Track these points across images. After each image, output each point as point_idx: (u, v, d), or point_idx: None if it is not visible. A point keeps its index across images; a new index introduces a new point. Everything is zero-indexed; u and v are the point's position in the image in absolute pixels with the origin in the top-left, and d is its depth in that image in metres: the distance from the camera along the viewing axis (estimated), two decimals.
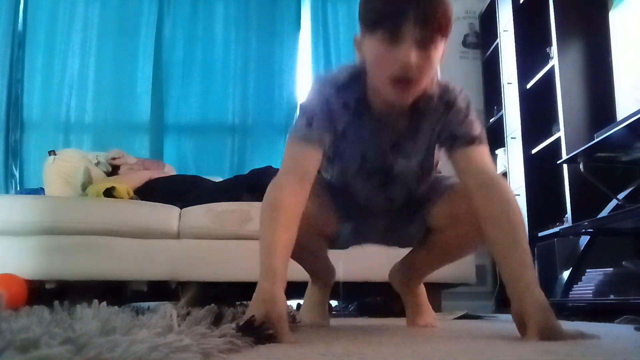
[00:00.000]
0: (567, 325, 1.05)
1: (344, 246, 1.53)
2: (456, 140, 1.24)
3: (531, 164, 3.11)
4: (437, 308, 2.50)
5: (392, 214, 1.45)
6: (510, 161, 3.36)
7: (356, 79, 1.25)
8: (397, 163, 1.34)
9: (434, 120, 1.28)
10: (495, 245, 1.16)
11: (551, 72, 2.88)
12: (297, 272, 2.42)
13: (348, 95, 1.26)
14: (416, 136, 1.30)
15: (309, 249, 1.43)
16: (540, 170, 3.05)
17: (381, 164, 1.34)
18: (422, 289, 1.60)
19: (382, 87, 1.16)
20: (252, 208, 2.51)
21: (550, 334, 0.98)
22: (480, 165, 1.23)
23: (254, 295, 1.05)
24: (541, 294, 1.05)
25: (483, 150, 1.25)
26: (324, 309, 1.61)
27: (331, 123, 1.26)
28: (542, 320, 1.00)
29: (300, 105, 1.30)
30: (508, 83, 3.40)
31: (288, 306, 1.81)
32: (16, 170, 3.86)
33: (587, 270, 2.19)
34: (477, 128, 1.26)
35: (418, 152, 1.33)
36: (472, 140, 1.24)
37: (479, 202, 1.19)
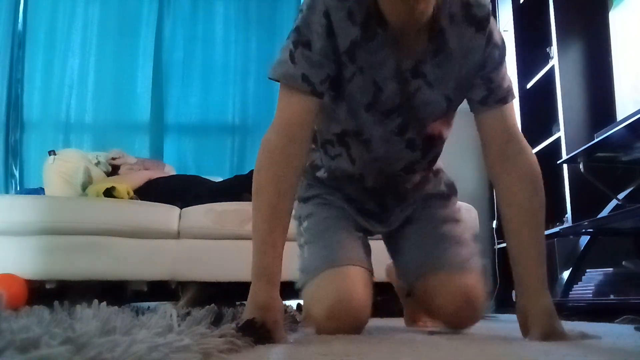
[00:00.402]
0: (569, 326, 1.06)
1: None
2: (487, 96, 1.13)
3: None
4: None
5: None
6: None
7: None
8: (419, 92, 1.15)
9: (464, 47, 1.11)
10: (511, 232, 1.10)
11: (551, 72, 2.88)
12: (296, 271, 2.42)
13: (354, 3, 1.07)
14: (441, 60, 1.13)
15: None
16: (540, 170, 3.05)
17: (400, 95, 1.15)
18: None
19: None
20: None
21: (552, 338, 0.98)
22: (506, 131, 1.14)
23: (249, 298, 1.02)
24: (548, 298, 1.04)
25: (511, 110, 1.16)
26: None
27: (326, 50, 1.07)
28: (546, 326, 1.00)
29: (293, 28, 1.10)
30: None
31: (287, 306, 1.80)
32: (16, 170, 3.86)
33: (587, 270, 2.19)
34: (508, 79, 1.16)
35: (444, 82, 1.15)
36: (504, 99, 1.14)
37: (499, 175, 1.12)
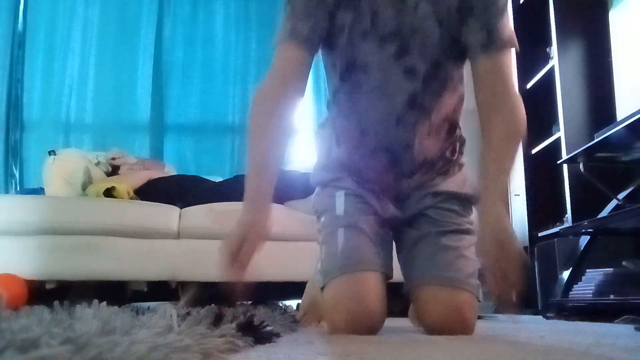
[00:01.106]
0: (571, 326, 1.07)
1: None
2: (486, 43, 1.16)
3: (531, 164, 3.11)
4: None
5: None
6: None
7: None
8: (417, 10, 1.17)
9: None
10: (482, 161, 1.16)
11: (551, 72, 2.88)
12: (297, 272, 2.42)
13: None
14: None
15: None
16: (540, 170, 3.06)
17: (397, 19, 1.18)
18: None
19: None
20: None
21: (500, 252, 1.01)
22: (500, 82, 1.19)
23: (242, 212, 1.15)
24: (500, 209, 1.07)
25: (508, 60, 1.19)
26: None
27: None
28: (493, 236, 1.03)
29: None
30: None
31: (287, 306, 1.81)
32: (16, 170, 3.86)
33: (587, 270, 2.19)
34: (510, 28, 1.18)
35: (436, 15, 1.18)
36: (501, 45, 1.17)
37: (484, 121, 1.19)
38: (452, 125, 1.34)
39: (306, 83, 1.24)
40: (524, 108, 1.24)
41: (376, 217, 1.31)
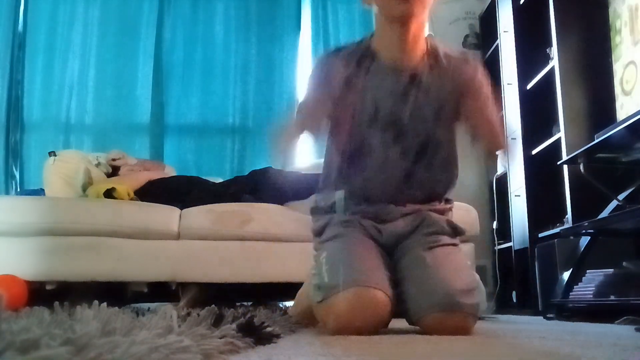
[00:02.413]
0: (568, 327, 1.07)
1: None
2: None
3: (531, 164, 3.11)
4: None
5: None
6: (511, 162, 3.36)
7: (360, 41, 1.44)
8: (410, 109, 1.39)
9: (456, 68, 1.41)
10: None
11: (551, 72, 2.88)
12: (297, 272, 2.42)
13: (351, 51, 1.42)
14: (435, 73, 1.40)
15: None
16: (541, 171, 3.05)
17: (394, 112, 1.39)
18: None
19: (386, 5, 1.31)
20: (253, 209, 2.51)
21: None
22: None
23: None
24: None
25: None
26: None
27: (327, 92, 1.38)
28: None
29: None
30: (508, 84, 3.40)
31: (287, 307, 1.83)
32: (16, 171, 3.86)
33: (588, 271, 2.19)
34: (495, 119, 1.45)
35: (430, 104, 1.40)
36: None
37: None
38: (448, 178, 1.47)
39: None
40: None
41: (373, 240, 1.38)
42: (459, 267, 1.31)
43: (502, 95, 3.51)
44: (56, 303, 1.05)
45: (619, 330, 1.44)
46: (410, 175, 1.42)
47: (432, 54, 1.40)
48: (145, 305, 2.44)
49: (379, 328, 1.22)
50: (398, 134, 1.39)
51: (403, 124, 1.39)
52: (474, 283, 1.28)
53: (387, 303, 1.21)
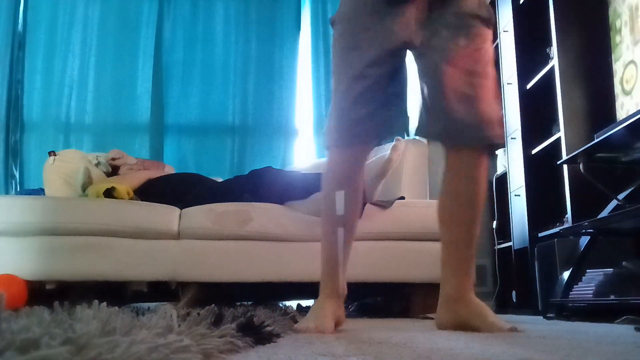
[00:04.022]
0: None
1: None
2: None
3: (531, 164, 3.11)
4: (437, 308, 2.50)
5: None
6: (510, 162, 3.36)
7: None
8: None
9: None
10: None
11: (551, 72, 2.88)
12: (297, 272, 2.42)
13: None
14: None
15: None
16: (540, 170, 3.05)
17: None
18: (474, 297, 1.47)
19: None
20: (253, 208, 2.51)
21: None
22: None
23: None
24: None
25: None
26: (328, 316, 1.43)
27: None
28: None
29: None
30: (508, 83, 3.40)
31: (287, 307, 1.88)
32: (16, 170, 3.86)
33: (588, 270, 2.19)
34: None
35: None
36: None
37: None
38: None
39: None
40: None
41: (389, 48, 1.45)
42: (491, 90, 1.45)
43: (502, 95, 3.51)
44: (56, 303, 1.05)
45: (619, 330, 1.44)
46: None
47: None
48: (145, 305, 2.44)
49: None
50: None
51: None
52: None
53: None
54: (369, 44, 1.44)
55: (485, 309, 1.41)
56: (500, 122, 1.43)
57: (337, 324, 1.44)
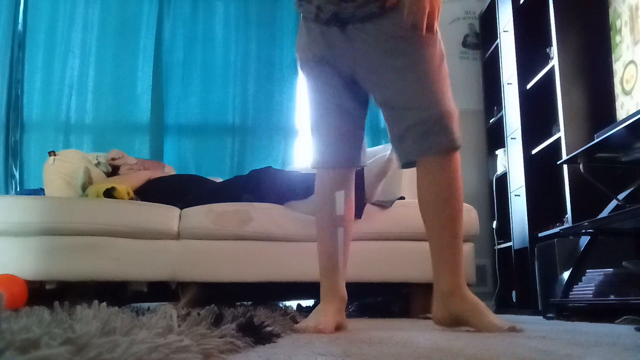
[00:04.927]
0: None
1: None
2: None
3: (531, 164, 3.11)
4: (432, 305, 2.50)
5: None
6: (511, 162, 3.36)
7: None
8: None
9: None
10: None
11: (551, 72, 2.88)
12: (298, 272, 2.42)
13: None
14: None
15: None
16: (540, 170, 3.05)
17: None
18: (470, 294, 1.47)
19: None
20: (252, 209, 2.51)
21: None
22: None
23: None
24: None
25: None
26: (328, 317, 1.44)
27: None
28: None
29: None
30: (508, 83, 3.40)
31: (287, 307, 1.88)
32: (16, 170, 3.86)
33: (588, 270, 2.19)
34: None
35: None
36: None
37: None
38: None
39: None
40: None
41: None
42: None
43: (502, 95, 3.51)
44: (56, 303, 1.05)
45: (619, 330, 1.44)
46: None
47: None
48: (145, 305, 2.44)
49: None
50: None
51: None
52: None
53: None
54: (326, 77, 1.57)
55: (482, 307, 1.41)
56: (449, 121, 1.43)
57: (338, 328, 1.44)
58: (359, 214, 2.51)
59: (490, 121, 3.80)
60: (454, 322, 1.42)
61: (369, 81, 1.53)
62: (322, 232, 1.58)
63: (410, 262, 2.43)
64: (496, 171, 3.66)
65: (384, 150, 2.63)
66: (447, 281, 1.44)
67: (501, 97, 3.54)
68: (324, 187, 1.59)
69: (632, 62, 2.33)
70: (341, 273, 1.55)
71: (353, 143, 1.59)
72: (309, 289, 2.06)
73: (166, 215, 2.55)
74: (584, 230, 2.21)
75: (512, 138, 3.33)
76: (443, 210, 1.45)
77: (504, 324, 1.32)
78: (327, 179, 1.58)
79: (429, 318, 2.06)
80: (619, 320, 1.79)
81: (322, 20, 1.51)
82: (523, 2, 3.29)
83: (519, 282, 3.24)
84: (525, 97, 3.20)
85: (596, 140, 2.19)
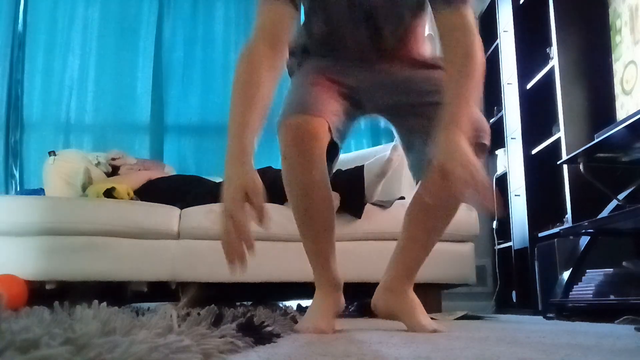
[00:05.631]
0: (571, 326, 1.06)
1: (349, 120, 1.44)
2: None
3: (531, 164, 3.11)
4: (437, 308, 2.50)
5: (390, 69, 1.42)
6: (510, 162, 3.36)
7: None
8: None
9: None
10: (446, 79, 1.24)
11: (551, 72, 2.88)
12: (297, 272, 2.42)
13: None
14: None
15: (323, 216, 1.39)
16: (540, 170, 3.05)
17: (368, 1, 1.31)
18: (413, 294, 1.47)
19: None
20: None
21: (447, 176, 1.06)
22: (459, 28, 1.25)
23: (226, 176, 1.08)
24: (455, 136, 1.10)
25: (467, 12, 1.27)
26: (328, 315, 1.42)
27: None
28: (442, 162, 1.07)
29: None
30: (508, 83, 3.41)
31: (287, 307, 1.82)
32: (16, 170, 3.86)
33: (587, 270, 2.19)
34: None
35: None
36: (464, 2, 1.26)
37: (446, 59, 1.26)
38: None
39: (288, 39, 1.30)
40: (483, 52, 1.28)
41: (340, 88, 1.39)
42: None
43: (502, 95, 3.51)
44: (56, 303, 1.05)
45: (618, 330, 1.44)
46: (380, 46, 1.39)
47: None
48: (145, 305, 2.44)
49: (321, 153, 1.27)
50: (372, 26, 1.35)
51: (377, 17, 1.34)
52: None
53: (325, 129, 1.28)
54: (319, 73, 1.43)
55: (417, 307, 1.41)
56: None
57: (336, 315, 1.43)
58: (358, 214, 2.52)
59: (490, 121, 3.79)
60: (388, 315, 1.44)
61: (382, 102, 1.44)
62: (303, 202, 1.38)
63: None
64: (496, 171, 3.66)
65: (384, 150, 2.63)
66: (394, 278, 1.43)
67: (501, 97, 3.54)
68: (295, 140, 1.28)
69: (632, 62, 2.33)
70: (332, 255, 1.43)
71: (333, 105, 1.34)
72: (309, 289, 2.05)
73: (166, 215, 2.55)
74: (584, 231, 2.21)
75: (512, 138, 3.33)
76: (440, 220, 1.42)
77: (430, 326, 1.34)
78: (297, 132, 1.27)
79: (433, 319, 2.06)
80: (619, 320, 1.79)
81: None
82: (523, 2, 3.29)
83: (519, 282, 3.24)
84: (525, 97, 3.20)
85: (596, 140, 2.19)
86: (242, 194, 1.05)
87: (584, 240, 2.25)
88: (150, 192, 2.80)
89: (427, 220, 1.40)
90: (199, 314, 0.93)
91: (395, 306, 1.44)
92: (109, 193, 2.67)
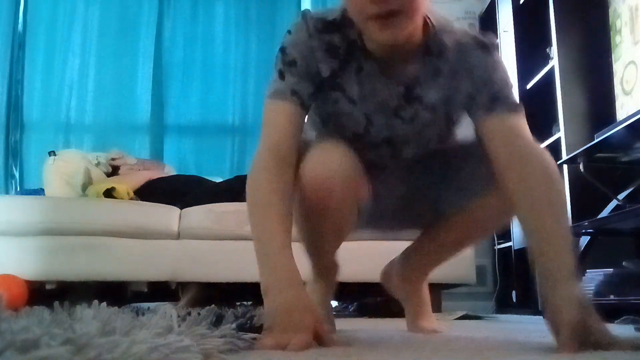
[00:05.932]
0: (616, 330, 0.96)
1: (362, 223, 1.27)
2: (493, 101, 1.07)
3: None
4: (437, 308, 2.50)
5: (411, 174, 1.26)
6: None
7: (343, 16, 1.06)
8: (417, 118, 1.12)
9: (468, 65, 1.08)
10: (529, 231, 1.01)
11: (551, 72, 2.88)
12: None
13: (336, 35, 1.07)
14: (440, 81, 1.09)
15: (340, 226, 1.16)
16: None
17: (388, 129, 1.13)
18: (426, 287, 1.46)
19: (364, 26, 1.00)
20: None
21: (587, 336, 0.80)
22: (515, 134, 1.09)
23: (275, 302, 0.97)
24: (576, 288, 0.88)
25: (523, 122, 1.11)
26: (326, 311, 1.39)
27: (310, 70, 1.07)
28: (574, 319, 0.81)
29: (279, 49, 1.11)
30: None
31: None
32: (16, 170, 3.86)
33: (588, 270, 2.19)
34: (513, 92, 1.12)
35: (447, 102, 1.12)
36: (512, 107, 1.10)
37: (511, 177, 1.04)
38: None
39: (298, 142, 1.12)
40: (550, 155, 1.09)
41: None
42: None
43: None
44: (56, 303, 1.05)
45: (618, 330, 1.44)
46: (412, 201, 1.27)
47: (435, 42, 1.07)
48: (145, 305, 2.44)
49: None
50: (393, 151, 1.18)
51: (400, 142, 1.16)
52: None
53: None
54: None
55: (423, 307, 1.43)
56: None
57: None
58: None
59: None
60: (396, 296, 1.49)
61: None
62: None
63: None
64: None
65: None
66: (416, 271, 1.42)
67: None
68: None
69: (632, 62, 2.33)
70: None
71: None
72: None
73: (166, 215, 2.55)
74: (584, 231, 2.21)
75: None
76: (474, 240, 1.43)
77: (430, 326, 1.39)
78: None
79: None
80: (619, 320, 1.79)
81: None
82: (523, 2, 3.29)
83: (519, 282, 3.24)
84: (525, 97, 3.20)
85: (596, 140, 2.19)
86: (311, 337, 0.86)
87: (584, 240, 2.25)
88: (150, 192, 2.80)
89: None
90: (199, 314, 0.93)
91: (406, 298, 1.45)
92: (109, 193, 2.67)
